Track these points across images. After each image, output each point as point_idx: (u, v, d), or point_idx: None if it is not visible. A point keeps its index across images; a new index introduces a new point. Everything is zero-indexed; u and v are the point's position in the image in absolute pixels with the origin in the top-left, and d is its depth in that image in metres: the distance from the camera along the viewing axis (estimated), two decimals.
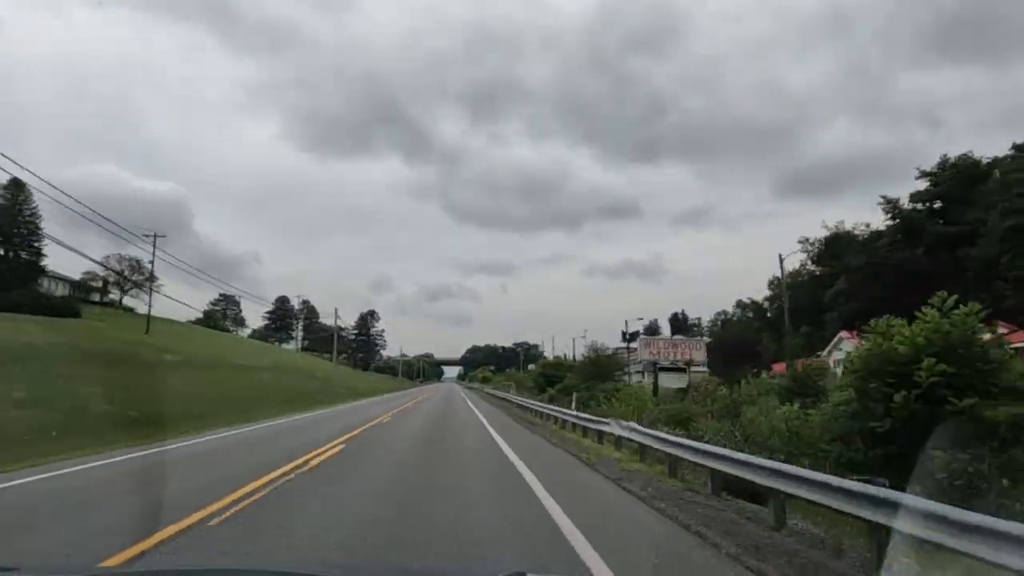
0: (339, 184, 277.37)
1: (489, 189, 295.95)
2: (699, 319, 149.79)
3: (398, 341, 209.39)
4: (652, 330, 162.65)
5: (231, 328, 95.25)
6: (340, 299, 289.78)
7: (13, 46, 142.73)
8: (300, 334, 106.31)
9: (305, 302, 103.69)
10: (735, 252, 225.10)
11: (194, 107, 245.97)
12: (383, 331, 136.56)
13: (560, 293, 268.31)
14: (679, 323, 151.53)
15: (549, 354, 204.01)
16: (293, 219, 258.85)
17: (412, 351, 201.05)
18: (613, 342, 66.97)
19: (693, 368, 53.24)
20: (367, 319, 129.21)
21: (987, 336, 13.24)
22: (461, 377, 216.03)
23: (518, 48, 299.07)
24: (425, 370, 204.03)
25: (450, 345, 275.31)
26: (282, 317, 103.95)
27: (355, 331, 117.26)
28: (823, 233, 71.84)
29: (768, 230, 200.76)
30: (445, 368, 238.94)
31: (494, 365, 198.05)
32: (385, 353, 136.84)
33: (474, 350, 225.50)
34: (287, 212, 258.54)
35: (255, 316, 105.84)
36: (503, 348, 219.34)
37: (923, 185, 59.52)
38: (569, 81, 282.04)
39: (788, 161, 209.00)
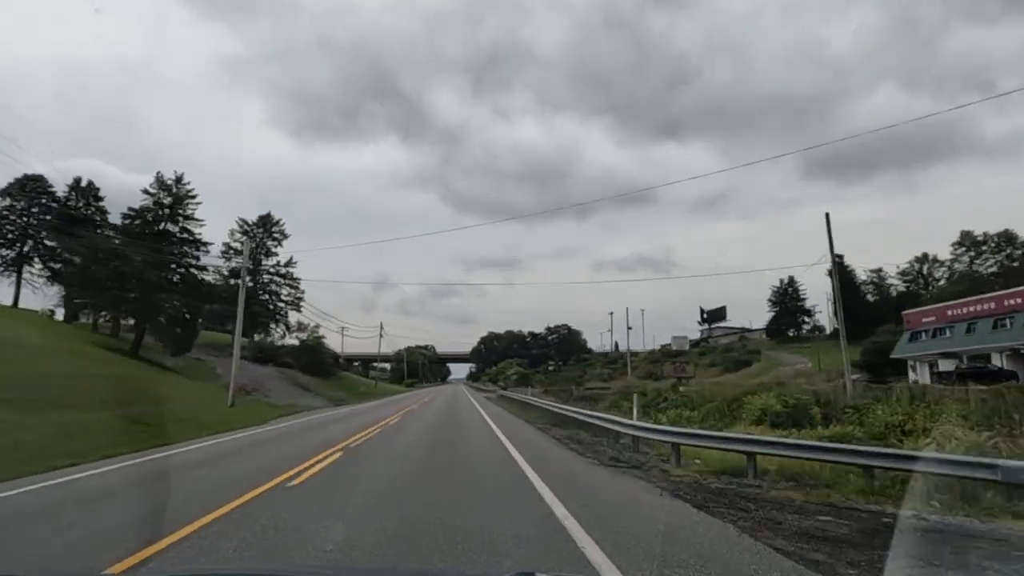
0: (331, 174, 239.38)
1: (493, 176, 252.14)
2: (880, 269, 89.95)
3: (403, 341, 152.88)
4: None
5: None
6: (339, 299, 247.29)
7: None
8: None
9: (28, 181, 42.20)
10: (767, 240, 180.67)
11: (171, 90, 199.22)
12: (293, 264, 58.05)
13: (569, 287, 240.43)
14: (841, 277, 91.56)
15: (593, 344, 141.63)
16: (282, 213, 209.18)
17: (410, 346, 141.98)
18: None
19: None
20: (239, 239, 53.89)
21: None
22: (473, 377, 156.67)
23: (524, 6, 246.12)
24: (424, 368, 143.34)
25: (457, 344, 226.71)
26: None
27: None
28: None
29: (794, 216, 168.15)
30: (452, 366, 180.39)
31: (524, 358, 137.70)
32: (296, 319, 60.91)
33: (489, 340, 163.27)
34: (276, 207, 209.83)
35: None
36: (531, 335, 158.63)
37: None
38: (581, 46, 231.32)
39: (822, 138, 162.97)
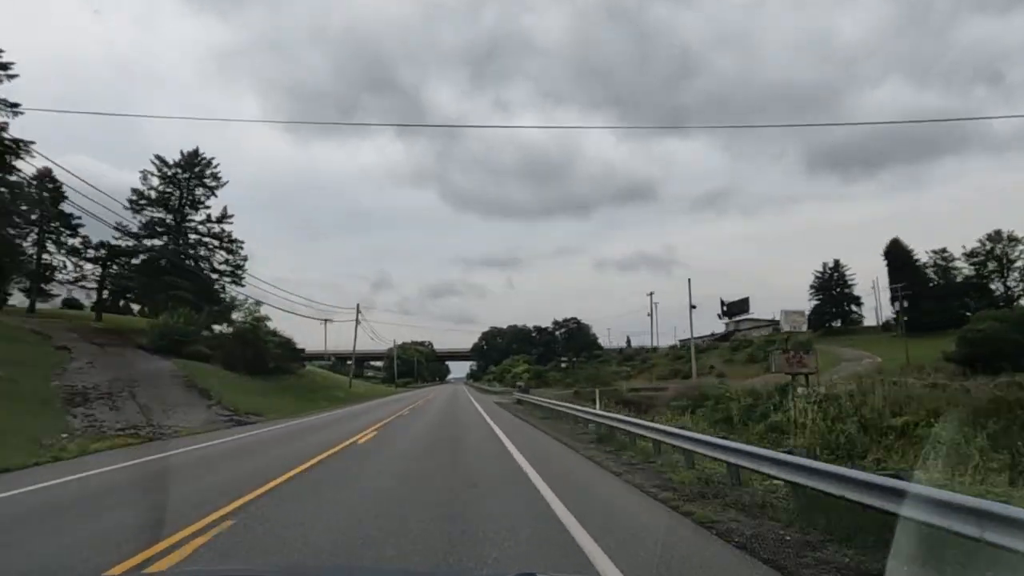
0: (328, 173, 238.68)
1: (492, 172, 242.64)
2: (944, 250, 76.16)
3: (401, 338, 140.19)
4: None
5: None
6: (337, 301, 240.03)
7: None
8: None
9: None
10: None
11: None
12: (229, 219, 43.63)
13: (571, 286, 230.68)
14: (900, 259, 78.56)
15: (604, 339, 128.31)
16: (280, 214, 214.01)
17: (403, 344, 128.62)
18: None
19: None
20: None
21: None
22: (474, 376, 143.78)
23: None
24: (421, 366, 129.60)
25: (457, 339, 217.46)
26: None
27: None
28: None
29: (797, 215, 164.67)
30: (452, 364, 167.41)
31: (530, 354, 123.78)
32: (239, 284, 44.09)
33: (491, 335, 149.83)
34: (272, 206, 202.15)
35: None
36: (536, 329, 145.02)
37: None
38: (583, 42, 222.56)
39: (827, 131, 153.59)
